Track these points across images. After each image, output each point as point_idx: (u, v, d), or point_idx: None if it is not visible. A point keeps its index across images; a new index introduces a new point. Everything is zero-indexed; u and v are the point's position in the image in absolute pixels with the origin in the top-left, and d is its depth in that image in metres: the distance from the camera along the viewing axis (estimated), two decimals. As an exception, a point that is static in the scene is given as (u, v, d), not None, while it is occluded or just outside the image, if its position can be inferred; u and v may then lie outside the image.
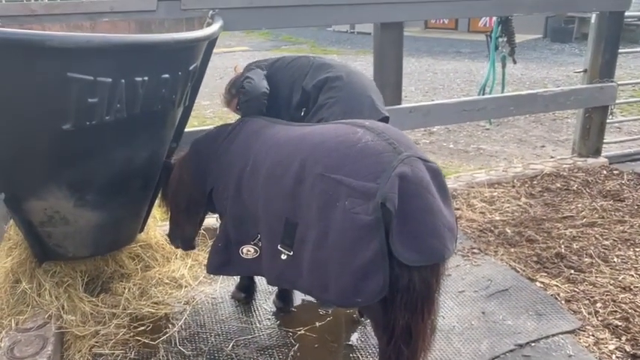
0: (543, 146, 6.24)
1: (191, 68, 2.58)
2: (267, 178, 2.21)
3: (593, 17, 4.73)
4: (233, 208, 2.46)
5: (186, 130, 3.08)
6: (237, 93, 2.91)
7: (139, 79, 2.26)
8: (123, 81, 2.20)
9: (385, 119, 2.77)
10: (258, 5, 3.41)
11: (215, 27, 2.75)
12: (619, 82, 4.92)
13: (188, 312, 2.94)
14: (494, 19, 4.81)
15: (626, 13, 4.76)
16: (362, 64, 11.82)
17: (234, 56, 13.80)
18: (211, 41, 2.72)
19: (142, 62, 2.26)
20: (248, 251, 2.41)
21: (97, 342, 2.67)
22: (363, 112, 2.72)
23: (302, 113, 2.85)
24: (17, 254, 2.79)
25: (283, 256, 2.14)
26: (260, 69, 2.94)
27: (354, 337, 2.74)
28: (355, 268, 1.89)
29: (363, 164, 1.94)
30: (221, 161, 2.57)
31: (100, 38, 2.11)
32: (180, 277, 3.19)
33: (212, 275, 3.23)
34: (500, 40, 4.44)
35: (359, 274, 1.90)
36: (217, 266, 2.60)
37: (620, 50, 4.84)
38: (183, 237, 2.94)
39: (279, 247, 2.15)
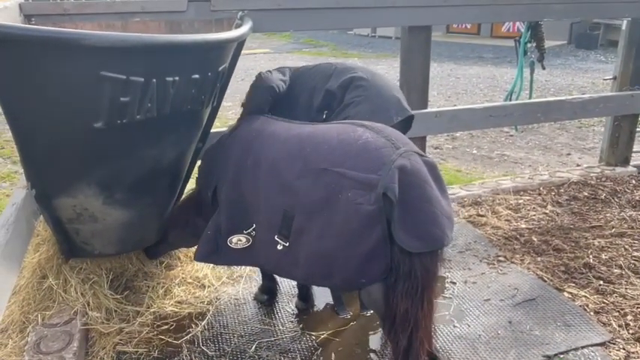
0: (569, 154, 6.13)
1: (220, 69, 2.59)
2: (268, 172, 2.30)
3: (624, 23, 4.64)
4: (228, 198, 2.51)
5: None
6: None
7: (169, 78, 2.26)
8: (154, 80, 2.20)
9: (411, 118, 2.83)
10: (286, 7, 3.41)
11: (245, 28, 2.75)
12: (650, 90, 4.81)
13: (211, 312, 2.94)
14: (517, 24, 4.73)
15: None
16: (383, 68, 11.79)
17: (255, 58, 13.86)
18: (240, 42, 2.72)
19: (173, 62, 2.26)
20: (239, 241, 2.45)
21: (121, 339, 2.69)
22: (390, 110, 2.72)
23: (324, 116, 2.84)
24: (45, 250, 2.82)
25: (279, 247, 2.24)
26: (283, 74, 2.96)
27: (378, 343, 2.71)
28: (360, 253, 2.02)
29: (365, 158, 2.06)
30: (222, 158, 2.64)
31: (134, 38, 2.12)
32: (203, 277, 3.20)
33: (234, 274, 3.24)
34: (529, 45, 4.37)
35: (363, 260, 2.03)
36: (205, 254, 2.62)
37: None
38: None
39: (275, 238, 2.24)
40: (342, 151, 2.12)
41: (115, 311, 2.82)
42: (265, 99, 2.78)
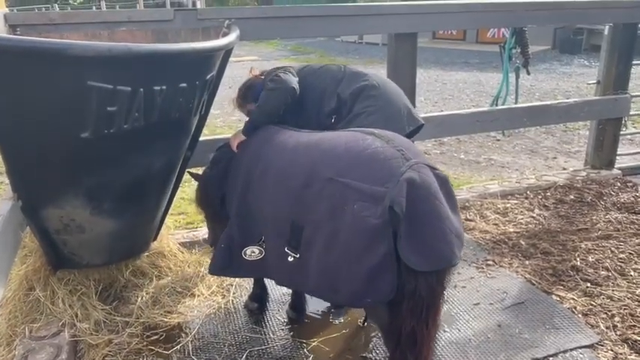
0: (555, 157, 6.20)
1: (208, 77, 2.59)
2: (276, 181, 2.25)
3: (607, 29, 4.71)
4: (239, 210, 2.48)
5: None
6: (254, 98, 2.86)
7: (157, 87, 2.26)
8: (142, 90, 2.20)
9: (421, 127, 2.83)
10: (273, 15, 3.43)
11: (232, 37, 2.75)
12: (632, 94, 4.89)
13: (201, 321, 2.92)
14: (502, 29, 4.81)
15: (640, 25, 4.75)
16: (371, 74, 11.83)
17: (243, 65, 13.84)
18: (228, 51, 2.72)
19: (160, 71, 2.26)
20: (252, 252, 2.41)
21: (110, 351, 2.66)
22: (402, 119, 2.72)
23: (332, 120, 2.80)
24: (32, 262, 2.79)
25: (290, 259, 2.17)
26: (292, 74, 2.85)
27: (369, 349, 2.71)
28: (365, 270, 1.92)
29: (372, 169, 1.97)
30: (232, 168, 2.61)
31: (121, 47, 2.11)
32: (193, 286, 3.18)
33: (225, 283, 3.23)
34: (513, 51, 4.43)
35: (368, 276, 1.92)
36: (220, 267, 2.58)
37: (633, 62, 4.82)
38: (215, 240, 2.93)
39: (285, 250, 2.18)
40: (348, 160, 2.04)
41: (104, 322, 2.79)
42: (285, 101, 2.69)
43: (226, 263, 2.53)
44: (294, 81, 2.71)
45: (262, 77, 2.91)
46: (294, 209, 2.14)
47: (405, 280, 1.91)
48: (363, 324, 2.82)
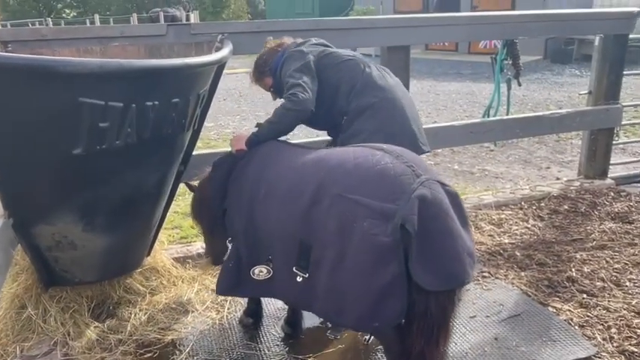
0: (548, 167, 6.22)
1: (201, 92, 2.59)
2: (283, 200, 2.19)
3: (597, 40, 4.75)
4: (247, 227, 2.42)
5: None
6: (272, 72, 2.79)
7: (149, 103, 2.26)
8: (134, 105, 2.19)
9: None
10: (266, 30, 3.43)
11: (225, 51, 2.76)
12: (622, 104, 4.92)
13: (195, 338, 2.88)
14: (494, 40, 4.85)
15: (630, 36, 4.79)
16: (364, 86, 11.86)
17: (237, 78, 13.87)
18: (221, 65, 2.73)
19: (153, 87, 2.26)
20: (260, 272, 2.34)
21: (102, 369, 2.63)
22: (403, 146, 2.69)
23: (342, 120, 2.78)
24: (24, 279, 2.76)
25: (299, 279, 2.12)
26: (309, 62, 2.75)
27: (365, 364, 2.68)
28: (373, 291, 1.87)
29: (382, 185, 1.92)
30: (235, 183, 2.55)
31: (112, 63, 2.11)
32: (187, 302, 3.15)
33: (219, 298, 3.20)
34: (505, 62, 4.46)
35: (377, 298, 1.87)
36: (228, 287, 2.53)
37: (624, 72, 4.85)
38: (213, 253, 2.91)
39: (294, 270, 2.13)
40: (357, 177, 1.99)
41: (97, 340, 2.75)
42: (297, 123, 2.66)
43: (234, 283, 2.47)
44: (311, 103, 2.63)
45: (279, 50, 2.84)
46: (302, 228, 2.09)
47: (415, 300, 1.87)
48: (367, 342, 2.78)
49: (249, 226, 2.40)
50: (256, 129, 2.68)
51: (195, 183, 2.91)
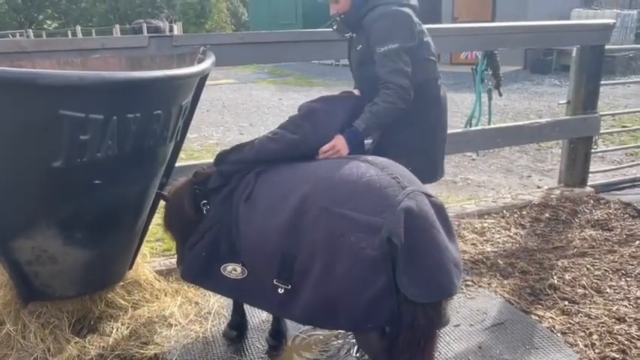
0: (529, 176, 6.30)
1: (183, 104, 2.58)
2: (266, 212, 2.18)
3: (574, 51, 4.85)
4: (234, 228, 2.34)
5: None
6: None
7: (130, 115, 2.24)
8: (115, 118, 2.18)
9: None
10: (248, 41, 3.45)
11: (207, 63, 2.76)
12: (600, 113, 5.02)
13: (178, 352, 2.85)
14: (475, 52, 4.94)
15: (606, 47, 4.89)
16: (348, 96, 11.92)
17: (220, 89, 13.87)
18: (203, 77, 2.73)
19: (134, 99, 2.25)
20: (234, 270, 2.29)
21: (84, 386, 2.58)
22: (429, 166, 2.92)
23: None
24: (2, 295, 2.71)
25: (280, 290, 2.11)
26: (413, 47, 2.68)
27: (350, 375, 2.68)
28: (365, 300, 1.88)
29: (368, 198, 1.93)
30: (218, 193, 2.48)
31: (93, 76, 2.10)
32: (170, 315, 3.11)
33: (203, 311, 3.16)
34: (485, 73, 4.53)
35: (369, 305, 1.89)
36: (195, 273, 2.43)
37: (601, 82, 4.96)
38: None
39: (275, 282, 2.12)
40: (343, 189, 2.00)
41: (78, 356, 2.70)
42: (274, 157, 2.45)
43: (201, 270, 2.39)
44: (410, 98, 2.58)
45: None
46: (284, 241, 2.08)
47: (403, 311, 1.88)
48: (356, 354, 2.77)
49: (236, 228, 2.35)
50: (352, 127, 2.54)
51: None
